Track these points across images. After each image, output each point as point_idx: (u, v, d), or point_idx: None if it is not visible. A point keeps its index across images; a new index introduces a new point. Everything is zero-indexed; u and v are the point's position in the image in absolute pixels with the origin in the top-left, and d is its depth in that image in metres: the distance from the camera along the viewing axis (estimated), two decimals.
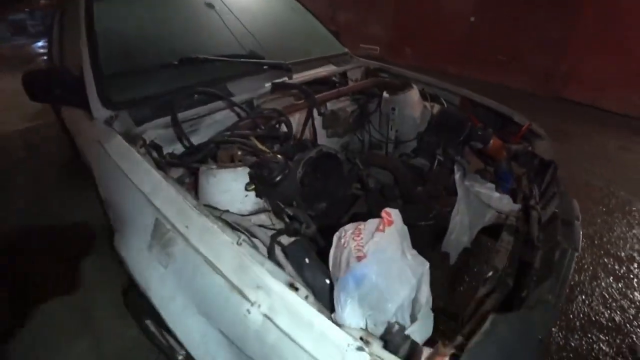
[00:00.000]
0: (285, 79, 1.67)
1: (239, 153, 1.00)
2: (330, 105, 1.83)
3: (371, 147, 2.14)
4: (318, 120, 1.83)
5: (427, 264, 0.98)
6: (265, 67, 1.68)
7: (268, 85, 1.58)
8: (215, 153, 1.02)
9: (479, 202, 1.56)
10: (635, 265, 2.18)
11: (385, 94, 1.92)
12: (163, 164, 1.01)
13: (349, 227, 1.00)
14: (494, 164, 1.72)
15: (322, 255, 0.99)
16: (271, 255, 0.80)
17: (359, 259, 0.83)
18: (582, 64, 4.74)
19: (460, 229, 1.56)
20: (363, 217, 1.84)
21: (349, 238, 0.94)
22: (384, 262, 0.84)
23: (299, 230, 0.83)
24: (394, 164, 1.95)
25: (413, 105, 1.89)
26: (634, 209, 2.70)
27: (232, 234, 0.74)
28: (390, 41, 6.95)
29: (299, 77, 1.73)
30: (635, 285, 2.04)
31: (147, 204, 0.85)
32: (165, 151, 1.14)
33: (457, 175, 1.66)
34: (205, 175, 0.94)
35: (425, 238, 1.92)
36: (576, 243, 0.98)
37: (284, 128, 1.41)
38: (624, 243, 2.35)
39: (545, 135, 1.63)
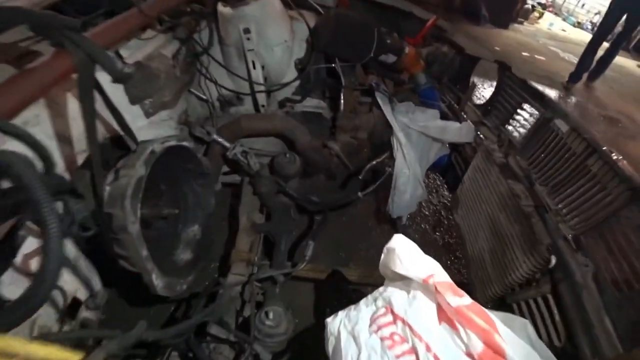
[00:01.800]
0: None
1: None
2: (132, 56, 0.88)
3: (225, 107, 1.33)
4: (115, 89, 0.83)
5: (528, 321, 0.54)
6: None
7: None
8: None
9: (424, 139, 1.13)
10: None
11: (222, 8, 1.10)
12: None
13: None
14: (408, 80, 1.28)
15: None
16: None
17: None
18: None
19: (413, 182, 1.11)
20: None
21: None
22: None
23: None
24: (279, 123, 1.25)
25: (278, 19, 1.15)
26: None
27: None
28: None
29: None
30: None
31: None
32: None
33: (385, 110, 1.15)
34: None
35: (367, 210, 1.43)
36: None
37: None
38: None
39: (452, 29, 1.26)
